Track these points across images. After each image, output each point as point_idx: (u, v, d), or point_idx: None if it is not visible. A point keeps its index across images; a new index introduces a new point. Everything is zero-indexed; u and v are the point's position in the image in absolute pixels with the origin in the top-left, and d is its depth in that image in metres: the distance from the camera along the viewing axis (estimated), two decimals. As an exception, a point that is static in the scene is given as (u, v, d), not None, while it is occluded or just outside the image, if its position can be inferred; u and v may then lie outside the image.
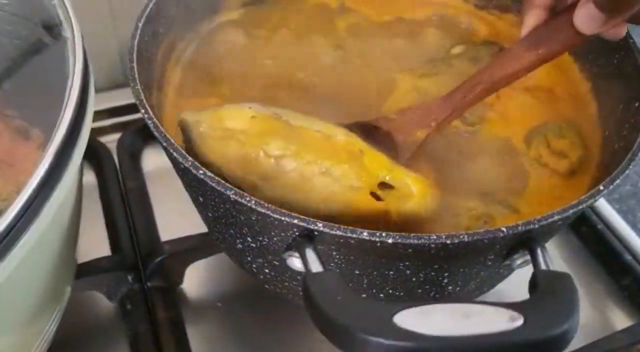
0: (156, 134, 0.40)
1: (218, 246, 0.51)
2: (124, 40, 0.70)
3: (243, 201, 0.36)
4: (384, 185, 0.41)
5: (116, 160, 0.64)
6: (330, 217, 0.38)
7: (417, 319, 0.28)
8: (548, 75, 0.55)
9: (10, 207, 0.30)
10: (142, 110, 0.41)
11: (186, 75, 0.53)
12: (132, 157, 0.65)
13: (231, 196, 0.36)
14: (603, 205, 0.64)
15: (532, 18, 0.44)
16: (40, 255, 0.35)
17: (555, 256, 0.62)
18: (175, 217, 0.59)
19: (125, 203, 0.60)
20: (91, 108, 0.37)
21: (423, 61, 0.55)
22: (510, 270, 0.45)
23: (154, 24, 0.49)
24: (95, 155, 0.64)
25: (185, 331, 0.53)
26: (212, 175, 0.37)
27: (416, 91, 0.52)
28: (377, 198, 0.41)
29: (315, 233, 0.36)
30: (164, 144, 0.39)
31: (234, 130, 0.41)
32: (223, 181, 0.37)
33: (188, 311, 0.55)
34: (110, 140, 0.67)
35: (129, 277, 0.53)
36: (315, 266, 0.34)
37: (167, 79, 0.51)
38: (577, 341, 0.53)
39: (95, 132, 0.66)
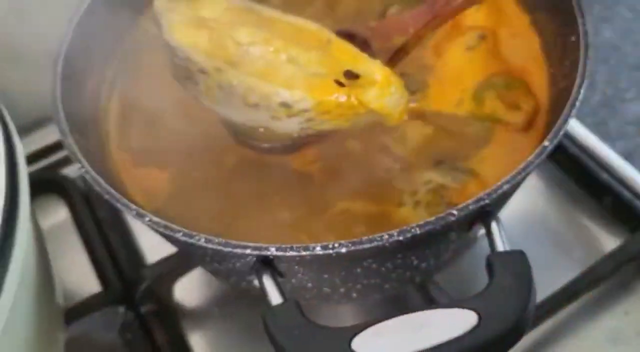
0: (97, 188, 0.39)
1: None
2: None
3: (193, 241, 0.36)
4: (350, 74, 0.41)
5: (84, 191, 0.64)
6: (293, 105, 0.39)
7: (373, 341, 0.28)
8: (489, 15, 0.53)
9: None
10: (79, 165, 0.40)
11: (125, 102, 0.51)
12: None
13: (180, 238, 0.36)
14: (575, 124, 0.63)
15: None
16: (17, 322, 0.36)
17: (533, 186, 0.61)
18: (154, 237, 0.59)
19: (101, 234, 0.60)
20: (25, 180, 0.37)
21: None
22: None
23: (73, 64, 0.47)
24: (62, 190, 0.63)
25: (189, 345, 0.54)
26: (159, 219, 0.37)
27: None
28: (341, 85, 0.40)
29: (271, 257, 0.36)
30: (106, 196, 0.39)
31: (206, 19, 0.42)
32: (170, 224, 0.37)
33: (187, 323, 0.56)
34: (74, 170, 0.66)
35: (121, 309, 0.54)
36: (275, 297, 0.34)
37: (104, 115, 0.50)
38: (570, 271, 0.54)
39: (56, 166, 0.66)
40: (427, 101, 0.49)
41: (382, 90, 0.40)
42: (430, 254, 0.42)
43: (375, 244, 0.35)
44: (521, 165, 0.37)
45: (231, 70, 0.40)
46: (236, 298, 0.57)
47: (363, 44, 0.44)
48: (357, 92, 0.40)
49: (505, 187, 0.36)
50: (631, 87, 0.71)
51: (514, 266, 0.32)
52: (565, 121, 0.38)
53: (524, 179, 0.37)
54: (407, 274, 0.43)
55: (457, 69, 0.50)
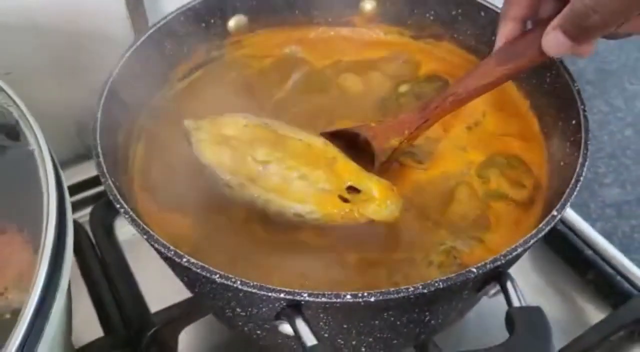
0: (136, 229, 0.41)
1: (207, 310, 0.53)
2: (75, 113, 0.72)
3: (229, 283, 0.38)
4: (352, 189, 0.47)
5: (90, 235, 0.65)
6: (305, 215, 0.46)
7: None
8: (491, 97, 0.58)
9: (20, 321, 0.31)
10: (118, 205, 0.43)
11: (149, 153, 0.54)
12: (106, 229, 0.66)
13: (217, 280, 0.38)
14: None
15: (506, 30, 0.47)
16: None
17: (521, 260, 0.65)
18: (160, 283, 0.60)
19: (107, 279, 0.61)
20: (70, 216, 0.39)
21: (374, 104, 0.58)
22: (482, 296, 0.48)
23: (110, 110, 0.50)
24: (69, 234, 0.64)
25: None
26: (196, 261, 0.39)
27: None
28: (345, 200, 0.46)
29: (302, 302, 0.38)
30: (145, 237, 0.41)
31: (228, 137, 0.48)
32: (207, 266, 0.39)
33: (187, 374, 0.57)
34: (81, 216, 0.67)
35: (126, 354, 0.54)
36: (309, 339, 0.36)
37: (132, 161, 0.53)
38: (557, 342, 0.56)
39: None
40: (433, 171, 0.53)
41: (380, 205, 0.46)
42: (441, 311, 0.44)
43: (401, 295, 0.37)
44: (533, 231, 0.41)
45: (252, 185, 0.47)
46: (242, 350, 0.58)
47: (366, 143, 0.50)
48: (358, 206, 0.46)
49: (519, 249, 0.40)
50: (609, 173, 0.77)
51: (534, 319, 0.35)
52: (572, 194, 0.42)
53: (534, 244, 0.41)
54: (416, 330, 0.46)
55: (460, 145, 0.55)
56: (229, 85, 0.59)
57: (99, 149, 0.46)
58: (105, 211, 0.67)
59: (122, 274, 0.61)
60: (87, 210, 0.68)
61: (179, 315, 0.56)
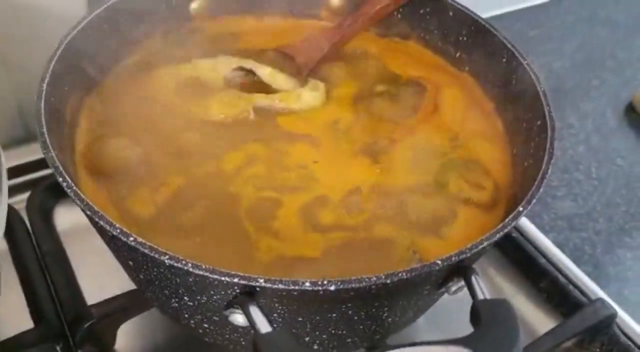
0: (78, 202, 0.38)
1: (150, 304, 0.49)
2: (20, 94, 0.68)
3: (179, 265, 0.35)
4: None
5: (27, 222, 0.61)
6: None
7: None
8: (454, 97, 0.57)
9: None
10: (60, 178, 0.39)
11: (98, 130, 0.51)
12: (44, 217, 0.62)
13: (166, 261, 0.35)
14: (514, 213, 0.68)
15: None
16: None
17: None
18: (99, 276, 0.57)
19: (42, 268, 0.56)
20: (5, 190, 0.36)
21: (347, 97, 0.56)
22: (442, 293, 0.47)
23: (58, 82, 0.47)
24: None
25: (124, 396, 0.51)
26: (144, 241, 0.36)
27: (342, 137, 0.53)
28: None
29: (257, 289, 0.35)
30: (88, 212, 0.38)
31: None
32: (156, 246, 0.36)
33: (125, 372, 0.53)
34: (18, 201, 0.63)
35: (58, 348, 0.50)
36: (264, 326, 0.33)
37: (78, 138, 0.49)
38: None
39: (0, 195, 0.62)
40: (390, 173, 0.51)
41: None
42: (400, 307, 0.43)
43: (363, 284, 0.35)
44: (499, 226, 0.40)
45: None
46: (182, 350, 0.54)
47: (292, 59, 0.57)
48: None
49: (485, 243, 0.38)
50: (561, 187, 0.78)
51: (501, 312, 0.33)
52: (538, 190, 0.42)
53: (499, 238, 0.40)
54: (372, 328, 0.44)
55: (420, 146, 0.54)
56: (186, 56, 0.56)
57: (43, 120, 0.42)
58: (44, 197, 0.62)
59: (59, 264, 0.57)
60: (24, 196, 0.63)
61: (118, 308, 0.52)
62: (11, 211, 0.61)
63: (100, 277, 0.57)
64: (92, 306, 0.52)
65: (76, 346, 0.51)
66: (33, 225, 0.60)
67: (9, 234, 0.59)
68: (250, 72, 0.57)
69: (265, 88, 0.56)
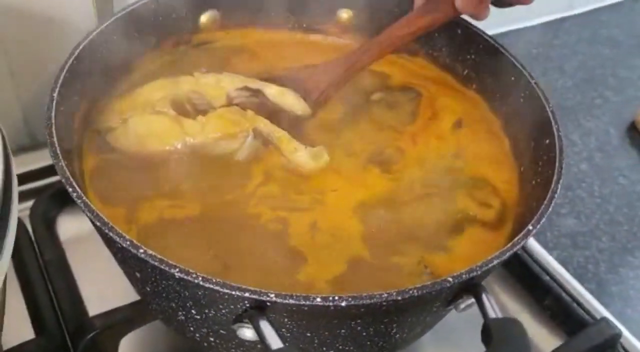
0: (88, 214, 0.38)
1: (155, 316, 0.49)
2: (26, 102, 0.67)
3: (189, 278, 0.35)
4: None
5: (30, 231, 0.60)
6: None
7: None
8: (463, 111, 0.57)
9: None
10: (70, 189, 0.39)
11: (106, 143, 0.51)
12: (47, 225, 0.61)
13: (176, 274, 0.35)
14: (518, 230, 0.67)
15: None
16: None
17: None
18: (102, 286, 0.56)
19: (45, 277, 0.56)
20: (15, 198, 0.35)
21: (344, 110, 0.56)
22: (450, 311, 0.46)
23: (68, 92, 0.47)
24: (5, 228, 0.59)
25: (125, 408, 0.50)
26: (154, 253, 0.36)
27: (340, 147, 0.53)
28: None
29: (268, 304, 0.35)
30: (98, 223, 0.37)
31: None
32: (166, 259, 0.36)
33: (126, 385, 0.52)
34: (21, 209, 0.62)
35: (59, 359, 0.50)
36: (275, 341, 0.33)
37: (87, 147, 0.49)
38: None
39: (3, 203, 0.62)
40: (397, 183, 0.51)
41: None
42: (408, 324, 0.42)
43: (374, 300, 0.35)
44: (509, 245, 0.40)
45: None
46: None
47: (301, 82, 0.55)
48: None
49: (495, 261, 0.38)
50: (565, 204, 0.78)
51: (512, 331, 0.33)
52: (548, 209, 0.42)
53: (509, 257, 0.40)
54: (379, 344, 0.43)
55: (427, 160, 0.54)
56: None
57: (53, 130, 0.42)
58: (47, 206, 0.62)
59: (61, 274, 0.56)
60: (28, 204, 0.63)
61: (121, 320, 0.52)
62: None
63: (102, 287, 0.56)
64: (95, 317, 0.52)
65: (78, 357, 0.50)
66: (36, 233, 0.60)
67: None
68: (256, 94, 0.54)
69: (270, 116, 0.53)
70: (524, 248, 0.66)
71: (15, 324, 0.53)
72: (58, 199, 0.63)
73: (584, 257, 0.71)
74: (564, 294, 0.62)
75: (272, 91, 0.55)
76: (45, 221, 0.61)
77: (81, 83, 0.49)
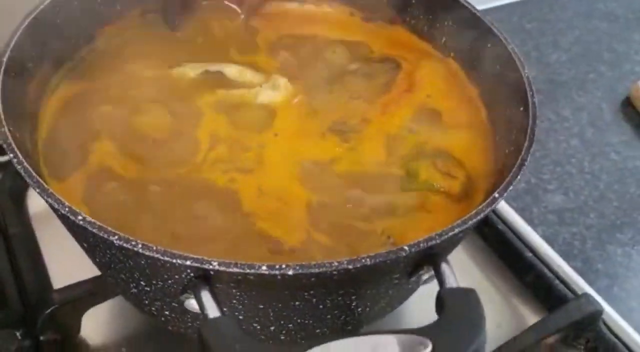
0: (28, 180, 0.36)
1: (114, 291, 0.47)
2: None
3: (128, 246, 0.33)
4: None
5: (-5, 205, 0.59)
6: None
7: (322, 359, 0.26)
8: (441, 81, 0.55)
9: None
10: (11, 155, 0.37)
11: (63, 112, 0.49)
12: (15, 199, 0.60)
13: (115, 242, 0.33)
14: (502, 205, 0.65)
15: None
16: None
17: (461, 259, 0.62)
18: (70, 261, 0.54)
19: (9, 250, 0.55)
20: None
21: (320, 79, 0.54)
22: (417, 284, 0.45)
23: (21, 57, 0.45)
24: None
25: (86, 385, 0.49)
26: (93, 220, 0.34)
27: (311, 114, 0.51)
28: None
29: (211, 272, 0.33)
30: (38, 190, 0.36)
31: None
32: (105, 226, 0.34)
33: (89, 360, 0.51)
34: (-10, 182, 0.61)
35: (17, 334, 0.48)
36: (212, 311, 0.32)
37: (42, 117, 0.47)
38: (493, 342, 0.54)
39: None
40: (356, 152, 0.49)
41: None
42: (369, 297, 0.41)
43: (324, 269, 0.33)
44: (472, 212, 0.38)
45: None
46: (149, 340, 0.53)
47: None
48: None
49: (456, 230, 0.36)
50: (553, 180, 0.75)
51: (466, 302, 0.31)
52: (516, 177, 0.40)
53: (473, 226, 0.38)
54: (341, 318, 0.42)
55: (392, 130, 0.52)
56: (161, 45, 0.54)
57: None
58: (15, 180, 0.60)
59: (26, 248, 0.55)
60: (-4, 178, 0.61)
61: (83, 294, 0.50)
62: (-20, 193, 0.59)
63: (70, 263, 0.54)
64: (55, 291, 0.50)
65: (38, 332, 0.49)
66: (1, 206, 0.58)
67: (-24, 216, 0.57)
68: (218, 75, 0.54)
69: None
70: (507, 224, 0.64)
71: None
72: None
73: (571, 234, 0.69)
74: (546, 270, 0.60)
75: (231, 70, 0.53)
76: (12, 194, 0.60)
77: (37, 49, 0.47)
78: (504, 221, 0.64)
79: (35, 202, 0.62)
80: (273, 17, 0.61)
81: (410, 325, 0.53)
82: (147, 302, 0.42)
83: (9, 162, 0.61)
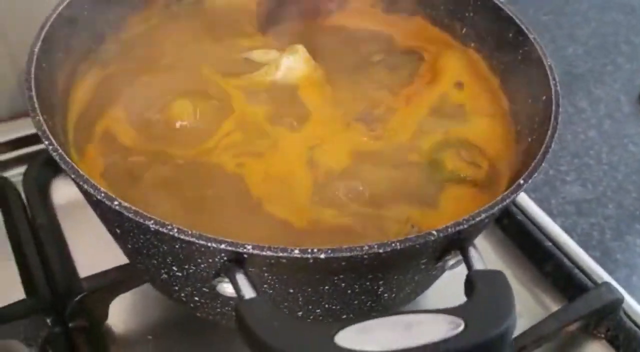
0: (63, 166, 0.37)
1: (143, 279, 0.48)
2: (21, 67, 0.67)
3: (164, 230, 0.34)
4: None
5: (23, 195, 0.60)
6: None
7: (358, 337, 0.27)
8: (463, 72, 0.56)
9: None
10: (46, 142, 0.38)
11: (91, 99, 0.50)
12: (41, 190, 0.61)
13: (151, 226, 0.34)
14: (521, 196, 0.66)
15: None
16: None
17: (482, 250, 0.63)
18: (94, 250, 0.56)
19: (36, 241, 0.56)
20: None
21: (342, 70, 0.55)
22: (442, 270, 0.45)
23: (51, 48, 0.46)
24: (-1, 192, 0.59)
25: (115, 371, 0.50)
26: (129, 205, 0.35)
27: (334, 106, 0.52)
28: None
29: (245, 256, 0.34)
30: (73, 176, 0.37)
31: None
32: (141, 211, 0.35)
33: (117, 348, 0.52)
34: (15, 174, 0.62)
35: (48, 320, 0.49)
36: (248, 292, 0.32)
37: (71, 105, 0.48)
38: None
39: (-3, 168, 0.62)
40: (381, 141, 0.50)
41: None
42: (396, 282, 0.41)
43: (355, 253, 0.34)
44: (498, 198, 0.38)
45: None
46: (174, 328, 0.53)
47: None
48: None
49: (483, 215, 0.37)
50: (571, 171, 0.76)
51: (495, 283, 0.32)
52: (540, 164, 0.40)
53: (499, 212, 0.38)
54: (368, 304, 0.42)
55: (417, 121, 0.52)
56: (188, 34, 0.55)
57: (32, 85, 0.41)
58: (41, 171, 0.62)
59: (53, 237, 0.56)
60: (22, 169, 0.62)
61: (110, 282, 0.51)
62: (7, 183, 0.60)
63: (96, 252, 0.56)
64: (84, 278, 0.51)
65: (67, 319, 0.50)
66: (29, 198, 0.59)
67: (3, 206, 0.58)
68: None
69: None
70: (525, 214, 0.64)
71: (5, 285, 0.54)
72: (52, 164, 0.62)
73: (589, 225, 0.69)
74: (565, 260, 0.60)
75: (258, 53, 0.54)
76: (38, 185, 0.61)
77: (66, 40, 0.48)
78: (524, 212, 0.64)
79: (60, 193, 0.63)
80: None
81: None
82: (177, 288, 0.42)
83: (34, 153, 0.64)
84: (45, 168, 0.62)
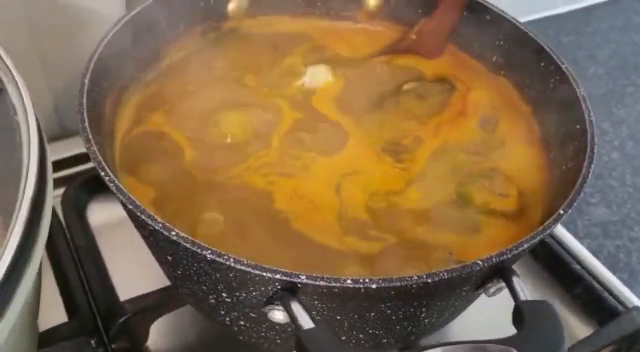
0: (121, 197, 0.38)
1: (185, 301, 0.49)
2: (57, 91, 0.68)
3: (221, 260, 0.35)
4: None
5: (61, 218, 0.61)
6: None
7: (418, 368, 0.28)
8: (492, 103, 0.57)
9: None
10: (102, 173, 0.40)
11: (134, 123, 0.51)
12: (78, 213, 0.62)
13: (208, 256, 0.35)
14: (548, 219, 0.67)
15: None
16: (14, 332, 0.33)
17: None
18: (131, 272, 0.57)
19: (76, 263, 0.57)
20: (50, 183, 0.36)
21: (373, 99, 0.56)
22: (478, 295, 0.46)
23: (98, 78, 0.47)
24: (38, 215, 0.60)
25: (155, 392, 0.51)
26: (186, 235, 0.36)
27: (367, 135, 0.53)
28: None
29: (299, 285, 0.35)
30: (130, 206, 0.38)
31: None
32: (198, 241, 0.36)
33: (157, 369, 0.53)
34: (53, 197, 0.64)
35: (92, 342, 0.50)
36: (306, 321, 0.33)
37: (116, 132, 0.50)
38: None
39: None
40: (409, 173, 0.51)
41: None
42: (437, 308, 0.42)
43: (404, 283, 0.35)
44: (539, 229, 0.39)
45: None
46: (212, 349, 0.54)
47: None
48: None
49: (525, 245, 0.38)
50: (595, 193, 0.77)
51: (543, 314, 0.33)
52: (579, 194, 0.41)
53: (539, 241, 0.39)
54: (408, 329, 0.43)
55: (446, 152, 0.53)
56: (222, 66, 0.56)
57: (85, 115, 0.43)
58: (78, 193, 0.63)
59: (92, 259, 0.57)
60: (59, 192, 0.64)
61: (152, 304, 0.52)
62: (47, 206, 0.61)
63: (132, 273, 0.57)
64: (126, 301, 0.52)
65: (109, 340, 0.51)
66: (67, 220, 0.61)
67: (44, 228, 0.60)
68: None
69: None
70: (553, 237, 0.65)
71: (48, 308, 0.54)
72: (88, 187, 0.64)
73: (615, 247, 0.70)
74: (595, 283, 0.61)
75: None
76: (76, 208, 0.62)
77: (111, 70, 0.49)
78: (551, 234, 0.65)
79: (96, 215, 0.64)
80: (324, 33, 0.63)
81: (463, 336, 0.56)
82: (223, 312, 0.44)
83: (70, 176, 0.65)
84: (82, 190, 0.64)
